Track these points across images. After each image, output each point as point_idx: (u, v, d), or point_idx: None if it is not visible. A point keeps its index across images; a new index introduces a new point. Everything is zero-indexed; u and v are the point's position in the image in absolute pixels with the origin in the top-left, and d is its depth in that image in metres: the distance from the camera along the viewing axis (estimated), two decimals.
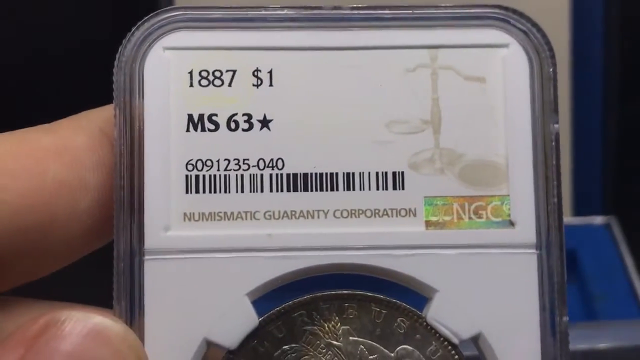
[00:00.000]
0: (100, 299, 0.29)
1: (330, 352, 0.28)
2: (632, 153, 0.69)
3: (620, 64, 0.63)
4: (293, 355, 0.28)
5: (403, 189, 0.29)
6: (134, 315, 0.28)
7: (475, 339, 0.29)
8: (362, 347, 0.29)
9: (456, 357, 0.29)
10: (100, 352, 0.25)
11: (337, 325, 0.29)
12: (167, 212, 0.28)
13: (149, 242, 0.28)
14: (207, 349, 0.28)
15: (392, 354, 0.29)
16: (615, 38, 0.64)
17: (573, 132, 0.44)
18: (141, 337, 0.28)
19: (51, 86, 0.45)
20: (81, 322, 0.26)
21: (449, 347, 0.29)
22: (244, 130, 0.29)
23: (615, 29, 0.64)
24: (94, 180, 0.28)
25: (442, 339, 0.29)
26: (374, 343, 0.29)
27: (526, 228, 0.29)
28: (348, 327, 0.29)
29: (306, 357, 0.28)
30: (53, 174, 0.28)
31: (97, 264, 0.32)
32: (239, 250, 0.28)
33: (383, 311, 0.29)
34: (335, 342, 0.29)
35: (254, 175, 0.29)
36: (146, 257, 0.28)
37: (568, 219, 0.57)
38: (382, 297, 0.29)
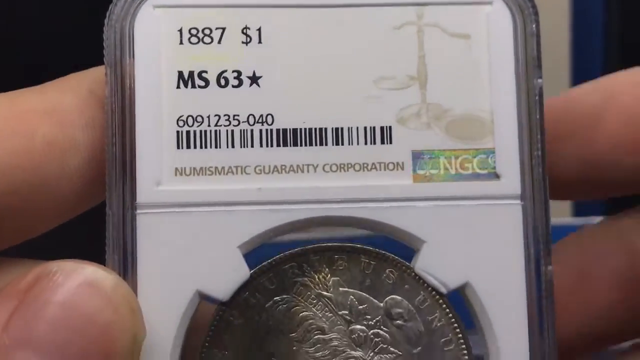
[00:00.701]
0: (91, 259, 0.30)
1: (320, 302, 0.29)
2: None
3: (621, 63, 0.64)
4: (284, 306, 0.29)
5: (391, 143, 0.29)
6: (126, 268, 0.28)
7: (463, 289, 0.29)
8: (352, 297, 0.29)
9: (444, 306, 0.29)
10: (93, 301, 0.26)
11: (327, 276, 0.29)
12: (158, 167, 0.29)
13: (141, 196, 0.29)
14: (199, 301, 0.29)
15: (381, 304, 0.29)
16: (615, 36, 0.65)
17: None
18: (134, 289, 0.28)
19: (37, 49, 0.45)
20: (73, 273, 0.26)
21: (437, 297, 0.29)
22: (233, 86, 0.29)
23: (614, 25, 0.65)
24: (83, 140, 0.29)
25: (430, 288, 0.29)
26: (363, 293, 0.29)
27: (511, 180, 0.29)
28: (338, 278, 0.29)
29: (297, 307, 0.29)
30: (42, 134, 0.28)
31: (88, 225, 0.32)
32: (230, 204, 0.29)
33: (372, 262, 0.29)
34: (325, 293, 0.29)
35: (244, 130, 0.29)
36: (138, 211, 0.29)
37: (568, 219, 0.57)
38: (371, 249, 0.29)
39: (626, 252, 0.32)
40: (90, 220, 0.31)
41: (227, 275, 0.29)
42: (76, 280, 0.26)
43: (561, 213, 0.41)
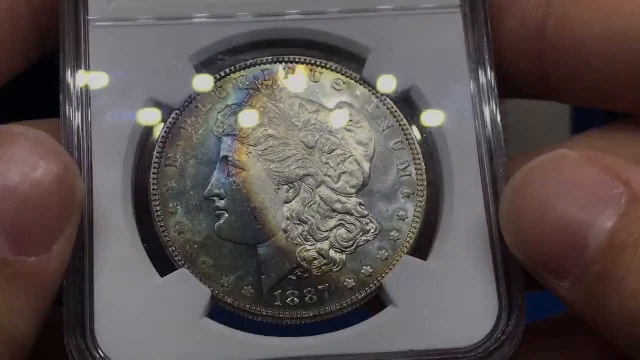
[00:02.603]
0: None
1: (271, 110, 0.30)
2: None
3: None
4: (235, 114, 0.29)
5: None
6: (79, 81, 0.29)
7: (409, 92, 0.30)
8: (302, 103, 0.30)
9: (394, 109, 0.30)
10: (24, 160, 0.26)
11: (277, 86, 0.30)
12: None
13: (93, 12, 0.29)
14: (152, 107, 0.29)
15: (332, 108, 0.30)
16: None
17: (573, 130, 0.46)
18: (88, 98, 0.29)
19: None
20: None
21: (386, 101, 0.30)
22: None
23: None
24: None
25: (379, 93, 0.30)
26: (313, 100, 0.30)
27: None
28: (287, 87, 0.30)
29: (249, 114, 0.29)
30: None
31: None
32: (181, 18, 0.30)
33: (321, 72, 0.30)
34: (275, 102, 0.30)
35: None
36: (90, 25, 0.29)
37: None
38: (320, 62, 0.30)
39: None
40: None
41: (178, 83, 0.29)
42: (5, 143, 0.26)
43: None
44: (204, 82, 0.30)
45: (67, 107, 0.28)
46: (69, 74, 0.29)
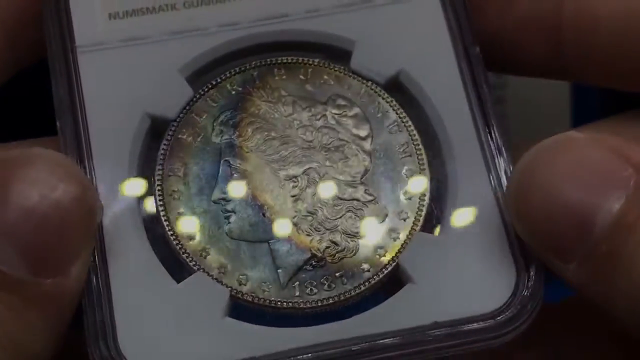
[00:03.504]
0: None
1: (266, 110, 0.30)
2: None
3: None
4: (231, 120, 0.30)
5: None
6: (75, 106, 0.29)
7: (398, 77, 0.30)
8: (295, 100, 0.30)
9: (384, 94, 0.30)
10: (45, 182, 0.26)
11: (268, 88, 0.30)
12: (92, 14, 0.30)
13: (80, 39, 0.30)
14: (149, 123, 0.30)
15: (324, 101, 0.30)
16: None
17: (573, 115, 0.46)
18: (85, 120, 0.29)
19: None
20: (21, 158, 0.26)
21: (377, 88, 0.30)
22: None
23: None
24: None
25: (369, 82, 0.30)
26: (306, 96, 0.30)
27: None
28: (279, 87, 0.30)
29: (241, 116, 0.30)
30: None
31: None
32: (166, 34, 0.30)
33: (309, 70, 0.31)
34: (268, 102, 0.30)
35: None
36: (78, 51, 0.30)
37: None
38: (308, 60, 0.31)
39: None
40: None
41: (171, 96, 0.30)
42: (25, 165, 0.26)
43: None
44: (196, 92, 0.30)
45: (65, 128, 0.29)
46: (63, 99, 0.29)
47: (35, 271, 0.25)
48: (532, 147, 0.26)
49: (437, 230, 0.29)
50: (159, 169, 0.29)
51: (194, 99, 0.30)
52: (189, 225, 0.28)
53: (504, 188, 0.28)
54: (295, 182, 0.29)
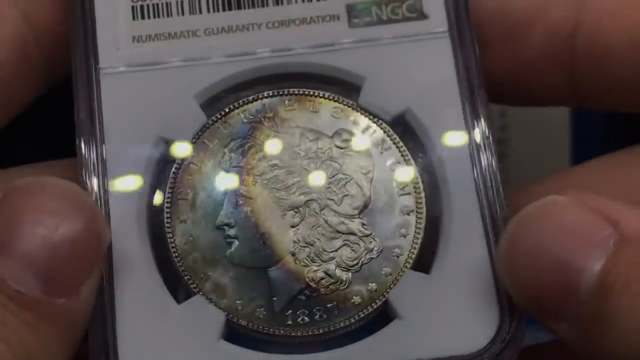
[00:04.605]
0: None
1: (274, 140, 0.31)
2: None
3: None
4: (241, 147, 0.31)
5: (326, 0, 0.32)
6: (94, 124, 0.31)
7: (404, 115, 0.31)
8: (303, 131, 0.31)
9: (390, 132, 0.31)
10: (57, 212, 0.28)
11: (278, 117, 0.32)
12: (116, 36, 0.32)
13: (103, 61, 0.32)
14: (163, 146, 0.31)
15: (331, 135, 0.31)
16: None
17: (572, 132, 0.47)
18: (102, 140, 0.31)
19: None
20: (34, 187, 0.28)
21: (383, 124, 0.31)
22: None
23: None
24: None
25: (375, 118, 0.32)
26: (313, 128, 0.31)
27: (438, 17, 0.32)
28: (289, 118, 0.32)
29: (250, 144, 0.31)
30: None
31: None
32: (184, 60, 0.32)
33: (319, 102, 0.32)
34: (277, 132, 0.31)
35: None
36: (102, 72, 0.31)
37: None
38: (318, 93, 0.32)
39: None
40: None
41: (186, 121, 0.31)
42: (36, 194, 0.28)
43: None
44: (209, 119, 0.31)
45: (84, 150, 0.30)
46: (84, 119, 0.31)
47: (49, 292, 0.27)
48: (519, 211, 0.27)
49: (429, 269, 0.30)
50: (169, 192, 0.31)
51: (207, 126, 0.31)
52: (192, 248, 0.30)
53: (497, 234, 0.29)
54: (296, 212, 0.30)
